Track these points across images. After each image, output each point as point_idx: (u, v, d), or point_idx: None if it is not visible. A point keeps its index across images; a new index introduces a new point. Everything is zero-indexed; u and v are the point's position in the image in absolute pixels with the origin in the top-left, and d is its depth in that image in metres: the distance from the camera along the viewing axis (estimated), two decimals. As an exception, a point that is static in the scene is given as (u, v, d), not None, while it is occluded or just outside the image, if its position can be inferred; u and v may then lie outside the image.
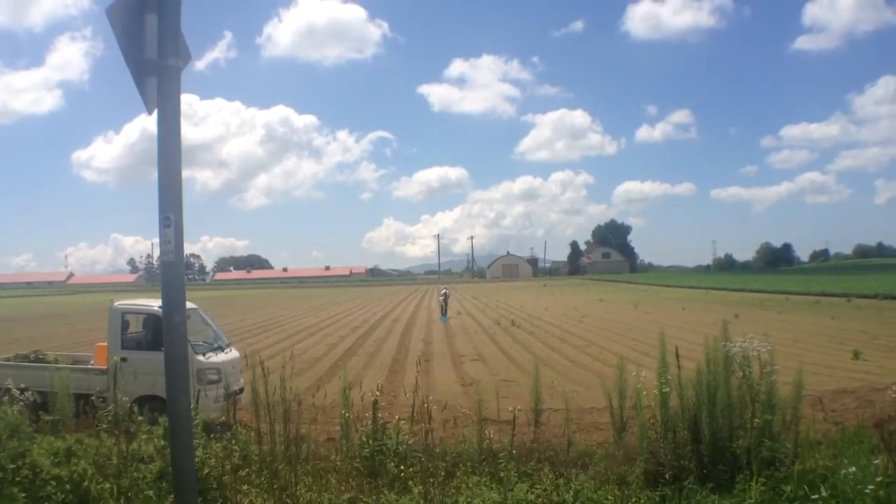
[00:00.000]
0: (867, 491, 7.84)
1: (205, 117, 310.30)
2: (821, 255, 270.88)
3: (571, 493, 8.58)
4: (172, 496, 6.64)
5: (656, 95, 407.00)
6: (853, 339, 35.55)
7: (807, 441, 9.60)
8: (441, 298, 60.30)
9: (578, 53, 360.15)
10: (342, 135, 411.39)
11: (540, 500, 8.48)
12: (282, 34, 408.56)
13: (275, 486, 8.72)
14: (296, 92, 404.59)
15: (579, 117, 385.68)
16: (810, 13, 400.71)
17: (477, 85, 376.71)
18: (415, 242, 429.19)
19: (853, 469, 8.52)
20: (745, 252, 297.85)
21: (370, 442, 10.03)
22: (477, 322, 53.30)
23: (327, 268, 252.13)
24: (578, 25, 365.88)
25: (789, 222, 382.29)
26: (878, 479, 8.07)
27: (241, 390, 15.35)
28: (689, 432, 9.56)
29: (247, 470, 9.23)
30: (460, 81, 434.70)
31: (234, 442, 9.97)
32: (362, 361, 29.74)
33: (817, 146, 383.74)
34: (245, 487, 8.67)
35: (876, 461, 8.46)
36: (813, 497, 7.89)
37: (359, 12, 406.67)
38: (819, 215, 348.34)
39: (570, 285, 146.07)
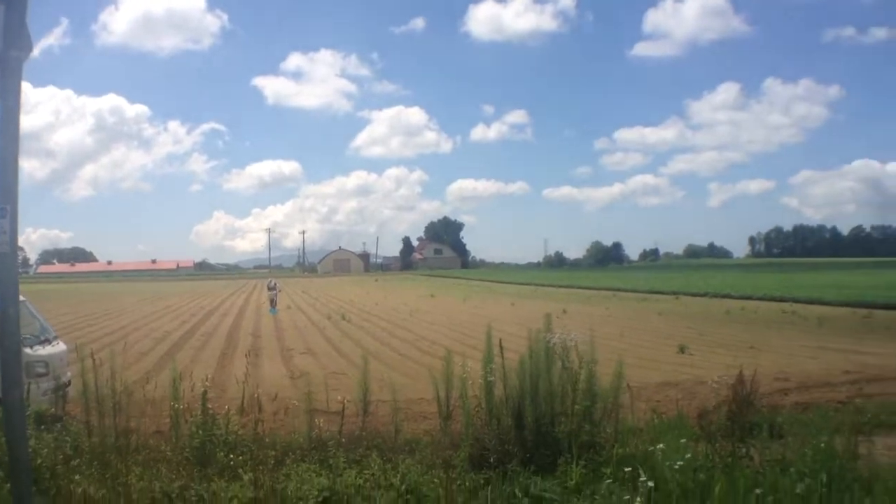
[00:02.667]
0: (676, 467, 8.44)
1: (36, 105, 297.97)
2: (650, 255, 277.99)
3: (399, 476, 8.88)
4: (8, 485, 6.66)
5: (494, 96, 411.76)
6: (680, 334, 36.78)
7: (626, 427, 10.18)
8: (271, 292, 59.85)
9: (418, 51, 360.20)
10: (174, 125, 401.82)
11: (368, 483, 8.75)
12: (118, 22, 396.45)
13: (106, 476, 8.77)
14: (129, 81, 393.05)
15: (416, 115, 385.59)
16: (651, 20, 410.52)
17: (314, 79, 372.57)
18: (245, 236, 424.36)
19: (661, 445, 9.17)
20: (575, 250, 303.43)
21: (200, 432, 10.12)
22: (307, 316, 53.17)
23: (154, 261, 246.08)
24: (419, 23, 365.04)
25: (620, 222, 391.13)
26: (698, 463, 8.70)
27: (69, 383, 15.14)
28: (512, 419, 9.99)
29: (78, 460, 9.23)
30: (297, 75, 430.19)
31: (64, 433, 9.97)
32: (190, 356, 29.29)
33: (652, 150, 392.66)
34: (77, 477, 8.66)
35: (692, 447, 9.15)
36: (631, 475, 8.40)
37: (198, 2, 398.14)
38: (650, 216, 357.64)
39: (401, 280, 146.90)
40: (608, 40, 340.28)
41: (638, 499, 7.76)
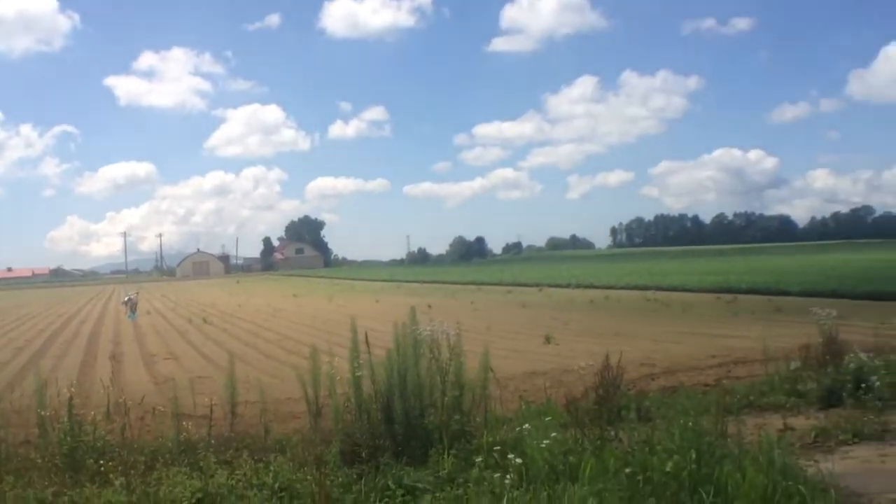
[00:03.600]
0: (543, 445, 8.71)
1: None
2: (514, 248, 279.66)
3: (271, 475, 8.94)
4: None
5: (351, 93, 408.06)
6: (545, 324, 37.04)
7: (495, 417, 10.41)
8: (129, 303, 58.66)
9: (273, 49, 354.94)
10: (25, 129, 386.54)
11: (240, 484, 8.79)
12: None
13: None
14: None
15: (273, 112, 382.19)
16: (508, 16, 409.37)
17: (167, 78, 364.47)
18: (100, 241, 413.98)
19: (527, 426, 9.44)
20: (438, 246, 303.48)
21: (68, 439, 10.02)
22: (168, 321, 52.32)
23: (9, 269, 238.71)
24: (274, 20, 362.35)
25: (482, 217, 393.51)
26: (567, 447, 8.97)
27: None
28: (382, 412, 10.12)
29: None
30: (149, 74, 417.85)
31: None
32: (51, 364, 28.52)
33: (510, 144, 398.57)
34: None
35: (561, 433, 9.43)
36: (501, 456, 8.63)
37: (50, 3, 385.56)
38: (512, 210, 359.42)
39: (263, 281, 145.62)
40: (465, 36, 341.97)
41: (508, 476, 7.99)
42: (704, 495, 7.26)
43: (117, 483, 8.83)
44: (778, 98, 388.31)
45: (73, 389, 11.17)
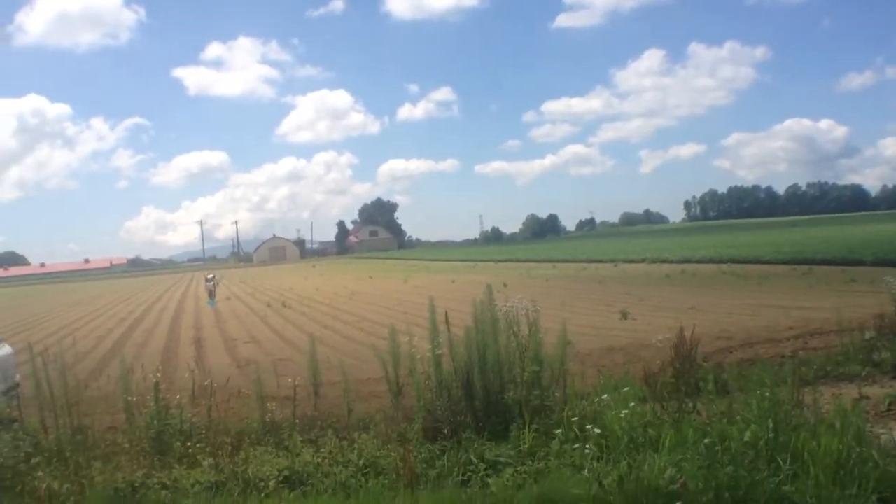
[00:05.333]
0: (622, 415, 8.74)
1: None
2: (587, 224, 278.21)
3: (356, 452, 9.09)
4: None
5: (418, 74, 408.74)
6: (621, 300, 37.05)
7: (574, 391, 10.43)
8: (208, 284, 59.62)
9: (338, 34, 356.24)
10: (97, 122, 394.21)
11: (326, 461, 8.95)
12: (34, 22, 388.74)
13: (68, 472, 8.86)
14: (49, 80, 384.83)
15: (341, 97, 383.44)
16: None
17: (235, 67, 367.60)
18: (177, 230, 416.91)
19: (605, 396, 9.47)
20: (511, 224, 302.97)
21: (155, 422, 10.24)
22: (247, 306, 52.93)
23: (86, 260, 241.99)
24: (338, 5, 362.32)
25: (555, 194, 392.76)
26: (647, 419, 8.99)
27: (18, 384, 15.10)
28: (462, 389, 10.22)
29: (38, 458, 9.30)
30: (217, 64, 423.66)
31: (21, 433, 10.04)
32: (134, 352, 29.04)
33: (579, 120, 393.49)
34: (40, 474, 8.76)
35: (640, 407, 9.44)
36: (582, 434, 8.66)
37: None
38: (584, 186, 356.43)
39: (338, 265, 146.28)
40: (529, 13, 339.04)
41: (588, 446, 8.02)
42: (781, 462, 7.27)
43: (205, 464, 9.02)
44: (844, 67, 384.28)
45: (158, 374, 11.39)
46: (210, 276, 62.89)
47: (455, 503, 7.43)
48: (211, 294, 57.70)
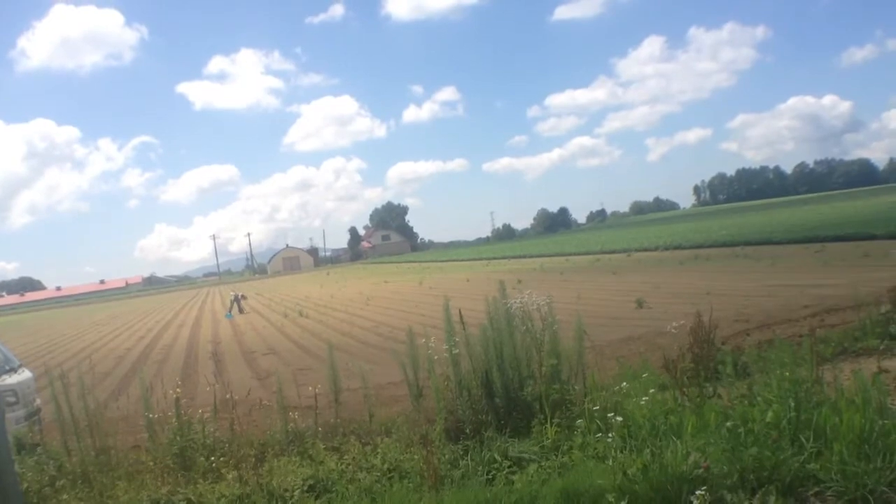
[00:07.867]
0: (643, 402, 8.74)
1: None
2: (598, 216, 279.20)
3: (379, 457, 9.09)
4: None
5: (421, 75, 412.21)
6: (636, 290, 37.00)
7: (594, 383, 10.42)
8: (237, 301, 60.54)
9: (340, 39, 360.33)
10: (104, 143, 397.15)
11: (350, 467, 8.95)
12: (36, 46, 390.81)
13: (93, 493, 8.89)
14: (55, 103, 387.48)
15: (346, 103, 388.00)
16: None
17: (239, 80, 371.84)
18: (190, 245, 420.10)
19: (625, 384, 9.47)
20: (523, 220, 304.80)
21: (178, 438, 10.23)
22: (264, 317, 53.08)
23: (102, 281, 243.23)
24: (338, 10, 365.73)
25: (564, 187, 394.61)
26: (668, 406, 8.98)
27: (40, 409, 15.16)
28: (482, 388, 10.20)
29: (63, 481, 9.33)
30: (221, 77, 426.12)
31: (45, 456, 10.08)
32: (153, 370, 29.19)
33: (584, 111, 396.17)
34: (65, 497, 8.81)
35: (660, 395, 9.45)
36: (604, 424, 8.65)
37: (115, 18, 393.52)
38: (593, 177, 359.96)
39: (353, 271, 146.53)
40: (528, 7, 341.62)
41: (610, 435, 8.03)
42: (804, 441, 7.25)
43: (230, 477, 9.03)
44: (844, 42, 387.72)
45: (178, 390, 11.42)
46: (240, 294, 63.95)
47: (480, 502, 7.42)
48: (235, 308, 58.21)
